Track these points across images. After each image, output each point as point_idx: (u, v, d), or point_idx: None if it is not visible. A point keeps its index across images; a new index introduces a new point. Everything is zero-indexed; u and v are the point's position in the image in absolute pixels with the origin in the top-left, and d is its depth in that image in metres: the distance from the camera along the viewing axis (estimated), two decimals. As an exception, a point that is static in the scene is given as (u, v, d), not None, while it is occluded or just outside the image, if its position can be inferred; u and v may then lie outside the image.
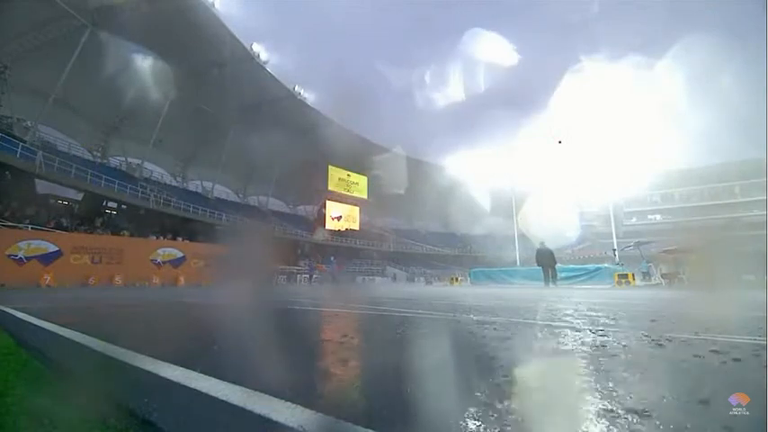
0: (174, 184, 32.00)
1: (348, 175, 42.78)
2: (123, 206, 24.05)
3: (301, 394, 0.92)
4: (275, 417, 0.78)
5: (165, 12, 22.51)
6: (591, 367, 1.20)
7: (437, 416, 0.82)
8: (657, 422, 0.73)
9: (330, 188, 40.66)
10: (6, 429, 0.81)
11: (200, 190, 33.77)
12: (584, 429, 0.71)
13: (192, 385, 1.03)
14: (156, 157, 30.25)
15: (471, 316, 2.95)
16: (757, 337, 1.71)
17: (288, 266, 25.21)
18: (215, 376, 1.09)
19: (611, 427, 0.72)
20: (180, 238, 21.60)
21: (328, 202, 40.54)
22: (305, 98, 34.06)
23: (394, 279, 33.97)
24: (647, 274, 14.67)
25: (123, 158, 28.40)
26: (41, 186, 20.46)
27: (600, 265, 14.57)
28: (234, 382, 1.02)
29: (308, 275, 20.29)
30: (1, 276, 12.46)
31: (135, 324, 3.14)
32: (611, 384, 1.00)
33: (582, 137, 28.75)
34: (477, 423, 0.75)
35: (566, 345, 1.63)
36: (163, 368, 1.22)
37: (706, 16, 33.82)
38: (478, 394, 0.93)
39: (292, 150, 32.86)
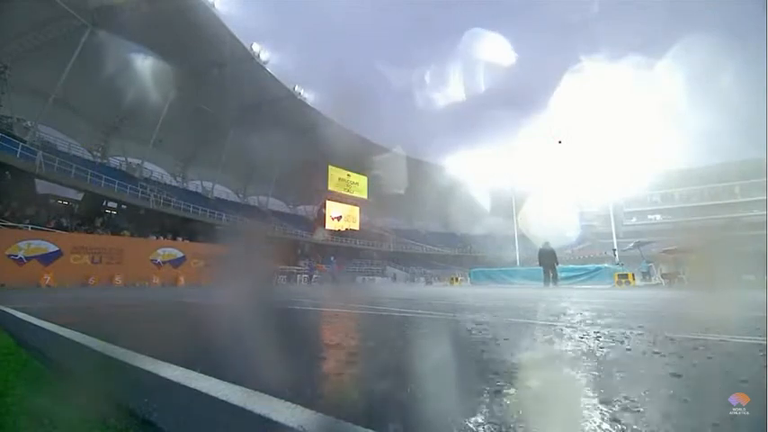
0: (174, 184, 32.00)
1: (348, 175, 42.78)
2: (123, 206, 24.05)
3: (301, 394, 0.92)
4: (275, 417, 0.78)
5: (165, 12, 22.51)
6: (590, 367, 1.20)
7: (436, 416, 0.82)
8: (657, 422, 0.73)
9: (330, 188, 40.66)
10: (6, 429, 0.81)
11: (200, 190, 33.78)
12: (580, 427, 0.71)
13: (192, 385, 1.03)
14: (156, 157, 30.25)
15: (474, 316, 2.95)
16: (757, 337, 1.71)
17: (288, 266, 25.22)
18: (215, 376, 1.09)
19: (609, 426, 0.72)
20: (180, 238, 21.60)
21: (328, 202, 40.55)
22: (305, 98, 34.07)
23: (394, 279, 33.97)
24: (646, 274, 14.68)
25: (123, 158, 28.40)
26: (41, 186, 20.46)
27: (600, 265, 14.57)
28: (234, 382, 1.02)
29: (307, 275, 20.29)
30: (1, 276, 12.46)
31: (135, 324, 3.14)
32: (609, 383, 1.00)
33: (582, 137, 28.77)
34: (477, 423, 0.75)
35: (566, 344, 1.63)
36: (163, 368, 1.22)
37: (706, 16, 33.84)
38: (478, 394, 0.93)
39: (292, 150, 32.85)
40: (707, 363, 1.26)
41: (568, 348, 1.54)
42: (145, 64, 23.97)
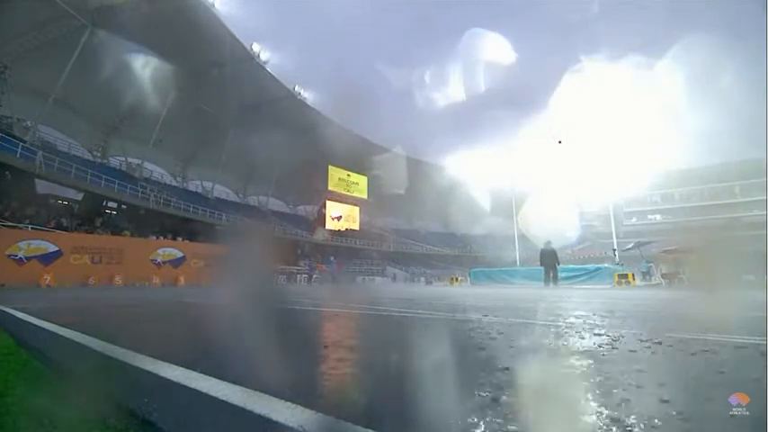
0: (174, 184, 32.00)
1: (348, 175, 42.78)
2: (123, 206, 24.06)
3: (301, 394, 0.92)
4: (275, 417, 0.78)
5: (165, 12, 22.51)
6: (590, 366, 1.20)
7: (436, 416, 0.82)
8: (657, 422, 0.73)
9: (330, 188, 40.66)
10: (6, 429, 0.81)
11: (200, 190, 33.78)
12: (581, 427, 0.71)
13: (192, 385, 1.03)
14: (156, 157, 30.26)
15: (474, 316, 2.95)
16: (757, 337, 1.71)
17: (288, 266, 25.22)
18: (215, 376, 1.09)
19: (608, 426, 0.72)
20: (180, 238, 21.60)
21: (328, 202, 40.55)
22: (305, 98, 34.07)
23: (394, 279, 33.97)
24: (646, 274, 14.68)
25: (123, 158, 28.40)
26: (41, 186, 20.46)
27: (600, 265, 14.58)
28: (234, 383, 1.02)
29: (307, 275, 20.28)
30: (1, 276, 12.45)
31: (135, 324, 3.14)
32: (608, 383, 1.00)
33: (582, 137, 28.76)
34: (477, 423, 0.75)
35: (565, 344, 1.63)
36: (163, 368, 1.22)
37: (706, 16, 33.82)
38: (478, 394, 0.93)
39: (292, 150, 32.85)
40: (706, 362, 1.26)
41: (568, 348, 1.54)
42: (145, 64, 23.97)
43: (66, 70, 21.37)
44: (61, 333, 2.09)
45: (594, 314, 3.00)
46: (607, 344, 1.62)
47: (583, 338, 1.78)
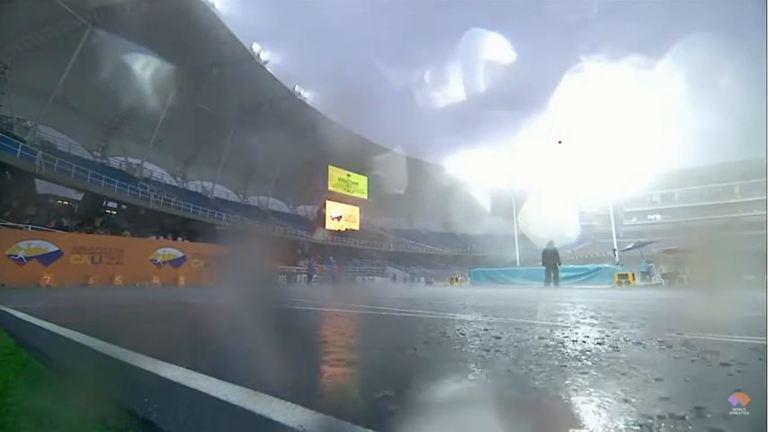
0: (174, 184, 32.01)
1: (348, 175, 42.79)
2: (123, 206, 24.06)
3: (301, 394, 0.92)
4: (275, 417, 0.78)
5: (165, 12, 22.52)
6: (589, 366, 1.20)
7: (435, 415, 0.82)
8: (656, 422, 0.73)
9: (330, 188, 40.68)
10: (6, 429, 0.81)
11: (200, 190, 33.78)
12: (583, 425, 0.71)
13: (192, 385, 1.03)
14: (156, 157, 30.27)
15: (471, 317, 2.95)
16: (757, 337, 1.71)
17: (288, 266, 25.22)
18: (215, 376, 1.09)
19: (608, 426, 0.72)
20: (180, 238, 21.60)
21: (328, 202, 40.55)
22: (305, 98, 34.07)
23: (393, 279, 33.97)
24: (646, 274, 14.67)
25: (123, 158, 28.41)
26: (41, 186, 20.47)
27: (600, 265, 14.58)
28: (233, 383, 1.02)
29: (307, 275, 20.26)
30: (1, 276, 12.46)
31: (135, 324, 3.14)
32: (608, 383, 1.00)
33: (582, 137, 28.75)
34: (476, 423, 0.75)
35: (565, 344, 1.63)
36: (163, 368, 1.22)
37: (706, 16, 33.83)
38: (478, 395, 0.93)
39: (292, 150, 32.87)
40: (706, 362, 1.26)
41: (568, 348, 1.54)
42: (145, 64, 23.99)
43: (66, 70, 21.38)
44: (61, 333, 2.09)
45: (594, 314, 3.00)
46: (607, 344, 1.62)
47: (582, 338, 1.78)
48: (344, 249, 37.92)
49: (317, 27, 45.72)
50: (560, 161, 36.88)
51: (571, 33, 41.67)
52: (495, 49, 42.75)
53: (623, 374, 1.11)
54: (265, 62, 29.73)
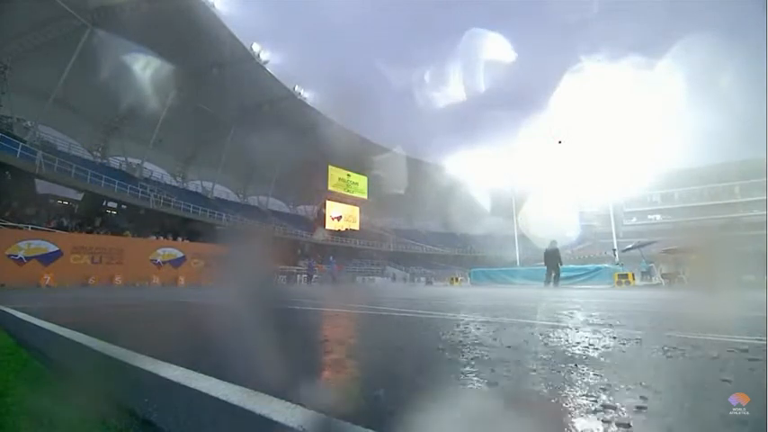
0: (174, 184, 32.03)
1: (348, 175, 42.79)
2: (123, 206, 24.07)
3: (301, 394, 0.92)
4: (275, 417, 0.78)
5: (165, 12, 22.52)
6: (589, 366, 1.20)
7: (435, 415, 0.82)
8: (657, 422, 0.73)
9: (330, 188, 40.68)
10: (6, 429, 0.81)
11: (200, 190, 33.79)
12: (580, 426, 0.71)
13: (192, 385, 1.03)
14: (156, 157, 30.27)
15: (475, 317, 2.95)
16: (757, 337, 1.71)
17: (288, 266, 25.22)
18: (215, 376, 1.09)
19: (607, 426, 0.72)
20: (180, 238, 21.60)
21: (328, 202, 40.56)
22: (305, 98, 34.07)
23: (393, 279, 33.98)
24: (646, 274, 14.66)
25: (123, 158, 28.42)
26: (41, 186, 20.47)
27: (600, 265, 14.58)
28: (233, 382, 1.02)
29: (307, 275, 20.26)
30: (1, 276, 12.46)
31: (135, 324, 3.14)
32: (608, 382, 1.00)
33: (582, 137, 28.76)
34: (475, 423, 0.75)
35: (565, 344, 1.63)
36: (163, 368, 1.22)
37: (706, 16, 33.83)
38: (478, 394, 0.93)
39: (292, 150, 32.88)
40: (706, 362, 1.26)
41: (568, 348, 1.54)
42: (145, 64, 24.00)
43: (66, 70, 21.39)
44: (61, 333, 2.09)
45: (594, 314, 3.00)
46: (606, 343, 1.62)
47: (582, 338, 1.78)
48: (344, 249, 37.92)
49: (317, 27, 45.76)
50: (560, 161, 36.88)
51: (571, 33, 41.71)
52: (495, 49, 42.79)
53: (624, 374, 1.11)
54: (265, 62, 29.74)
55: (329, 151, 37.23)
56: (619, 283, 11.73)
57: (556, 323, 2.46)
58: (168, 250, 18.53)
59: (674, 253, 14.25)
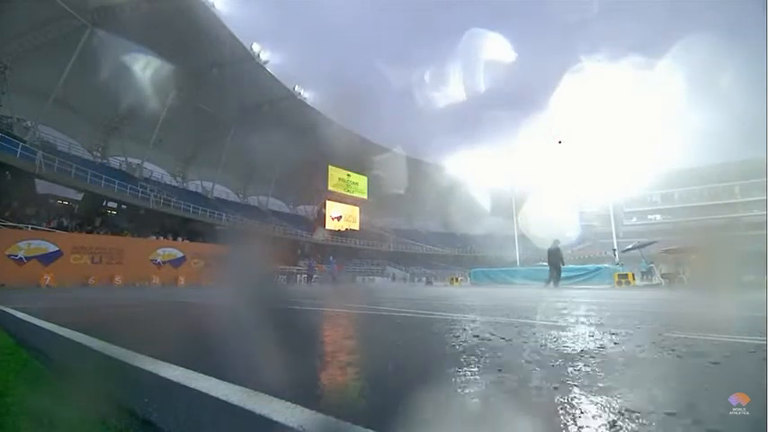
0: (174, 184, 32.02)
1: (348, 175, 42.79)
2: (123, 206, 24.06)
3: (301, 394, 0.92)
4: (275, 417, 0.78)
5: (165, 12, 22.51)
6: (589, 366, 1.20)
7: (435, 415, 0.82)
8: (656, 422, 0.73)
9: (330, 188, 40.68)
10: (6, 429, 0.81)
11: (200, 190, 33.78)
12: (579, 427, 0.71)
13: (192, 385, 1.03)
14: (156, 157, 30.26)
15: (471, 316, 2.95)
16: (757, 338, 1.71)
17: (288, 266, 25.21)
18: (215, 376, 1.09)
19: (606, 427, 0.72)
20: (180, 238, 21.60)
21: (328, 202, 40.55)
22: (305, 98, 34.07)
23: (393, 279, 33.98)
24: (646, 274, 14.65)
25: (123, 158, 28.41)
26: (41, 186, 20.46)
27: (600, 265, 14.57)
28: (233, 382, 1.02)
29: (307, 276, 20.25)
30: (1, 276, 12.46)
31: (135, 324, 3.14)
32: (608, 383, 1.00)
33: (582, 137, 28.74)
34: (475, 423, 0.75)
35: (566, 344, 1.63)
36: (163, 368, 1.22)
37: (706, 16, 33.82)
38: (478, 395, 0.93)
39: (292, 150, 32.87)
40: (707, 362, 1.26)
41: (568, 347, 1.54)
42: (145, 64, 23.98)
43: (66, 70, 21.38)
44: (61, 333, 2.09)
45: (594, 314, 3.00)
46: (606, 343, 1.62)
47: (583, 338, 1.78)
48: (344, 249, 37.92)
49: (317, 27, 45.74)
50: (560, 161, 36.86)
51: (571, 33, 41.68)
52: (495, 49, 42.75)
53: (623, 375, 1.11)
54: (265, 62, 29.72)
55: (329, 151, 37.22)
56: (619, 283, 11.73)
57: (557, 324, 2.45)
58: (168, 250, 18.54)
59: (674, 253, 14.24)
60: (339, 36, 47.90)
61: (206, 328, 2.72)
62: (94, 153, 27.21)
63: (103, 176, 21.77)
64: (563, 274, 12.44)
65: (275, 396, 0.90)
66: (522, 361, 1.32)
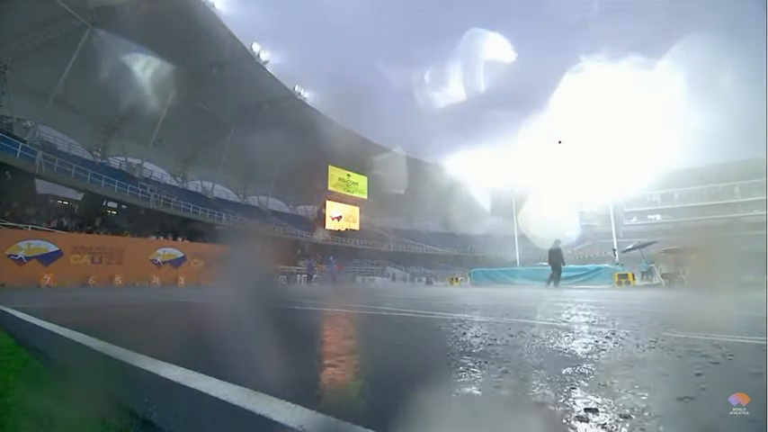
0: (174, 184, 32.01)
1: (348, 175, 42.79)
2: (123, 206, 24.06)
3: (300, 394, 0.92)
4: (275, 417, 0.78)
5: (165, 12, 22.51)
6: (589, 366, 1.20)
7: (435, 415, 0.82)
8: (656, 422, 0.73)
9: (330, 188, 40.68)
10: (6, 429, 0.81)
11: (200, 190, 33.78)
12: (579, 427, 0.71)
13: (192, 385, 1.03)
14: (156, 157, 30.26)
15: (471, 316, 2.95)
16: (757, 337, 1.71)
17: (288, 266, 25.21)
18: (215, 376, 1.09)
19: (606, 426, 0.72)
20: (180, 238, 21.60)
21: (328, 202, 40.55)
22: (305, 98, 34.07)
23: (393, 279, 33.98)
24: (646, 274, 14.65)
25: (123, 158, 28.41)
26: (41, 186, 20.46)
27: (600, 265, 14.57)
28: (233, 382, 1.02)
29: (307, 276, 20.25)
30: (1, 276, 12.46)
31: (135, 324, 3.14)
32: (608, 383, 1.00)
33: (582, 137, 28.74)
34: (474, 423, 0.75)
35: (565, 343, 1.63)
36: (163, 368, 1.22)
37: (706, 16, 33.79)
38: (478, 394, 0.93)
39: (292, 150, 32.86)
40: (707, 362, 1.26)
41: (568, 347, 1.54)
42: (145, 64, 23.98)
43: (66, 70, 21.38)
44: (61, 333, 2.09)
45: (595, 314, 3.00)
46: (605, 342, 1.62)
47: (583, 338, 1.78)
48: (344, 249, 37.91)
49: (317, 27, 45.70)
50: (560, 161, 36.85)
51: (571, 33, 41.63)
52: (495, 49, 42.72)
53: (622, 375, 1.11)
54: (265, 62, 29.72)
55: (329, 151, 37.22)
56: (619, 283, 11.73)
57: (557, 324, 2.45)
58: (168, 250, 18.54)
59: (674, 253, 14.24)
60: (339, 36, 47.89)
61: (206, 328, 2.72)
62: (94, 153, 27.20)
63: (103, 176, 21.77)
64: (563, 274, 12.44)
65: (275, 396, 0.90)
66: (523, 361, 1.32)
